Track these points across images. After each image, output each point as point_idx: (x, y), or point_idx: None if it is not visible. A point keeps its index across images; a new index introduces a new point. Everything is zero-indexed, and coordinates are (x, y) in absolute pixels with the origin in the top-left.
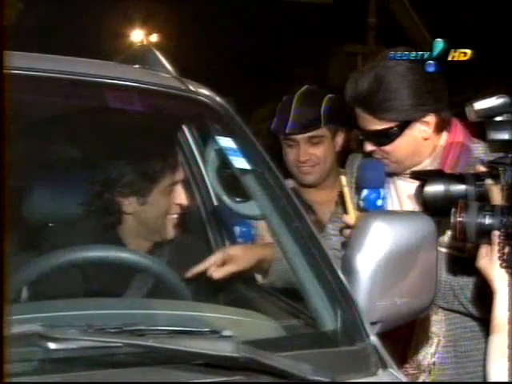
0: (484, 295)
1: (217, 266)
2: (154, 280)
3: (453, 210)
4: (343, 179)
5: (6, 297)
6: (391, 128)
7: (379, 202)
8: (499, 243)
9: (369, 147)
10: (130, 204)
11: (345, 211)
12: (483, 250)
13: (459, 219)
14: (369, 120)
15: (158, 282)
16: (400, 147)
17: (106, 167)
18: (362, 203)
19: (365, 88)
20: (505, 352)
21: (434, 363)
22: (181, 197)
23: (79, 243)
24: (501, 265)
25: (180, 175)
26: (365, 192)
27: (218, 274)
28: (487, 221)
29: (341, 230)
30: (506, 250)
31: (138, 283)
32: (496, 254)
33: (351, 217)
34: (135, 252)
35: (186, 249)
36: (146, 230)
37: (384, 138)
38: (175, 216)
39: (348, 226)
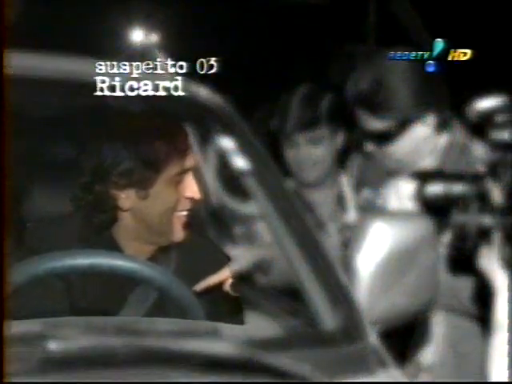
0: (484, 295)
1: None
2: (158, 294)
3: (453, 209)
4: (343, 179)
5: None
6: (391, 128)
7: (379, 202)
8: (499, 243)
9: (369, 147)
10: (127, 198)
11: (345, 211)
12: (483, 250)
13: (459, 219)
14: (369, 120)
15: (163, 296)
16: (400, 147)
17: (98, 152)
18: (362, 203)
19: (365, 88)
20: (505, 352)
21: (433, 363)
22: (192, 189)
23: (63, 247)
24: (501, 265)
25: (190, 162)
26: (365, 192)
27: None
28: (487, 221)
29: (341, 230)
30: (506, 249)
31: (137, 298)
32: (496, 254)
33: (351, 217)
34: (134, 258)
35: (197, 254)
36: (147, 230)
37: (384, 137)
38: (184, 213)
39: (348, 226)
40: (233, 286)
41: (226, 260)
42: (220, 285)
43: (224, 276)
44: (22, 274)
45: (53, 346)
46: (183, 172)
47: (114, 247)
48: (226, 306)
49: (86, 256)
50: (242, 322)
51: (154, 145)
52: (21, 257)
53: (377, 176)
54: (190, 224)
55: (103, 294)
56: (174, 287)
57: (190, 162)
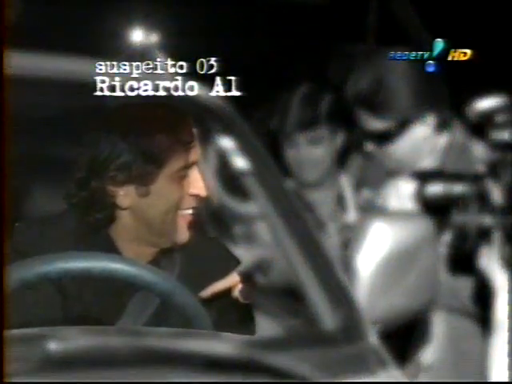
0: (484, 295)
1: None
2: (159, 301)
3: (453, 209)
4: (343, 179)
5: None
6: (391, 128)
7: (379, 202)
8: (499, 243)
9: (369, 147)
10: (126, 195)
11: (345, 211)
12: (483, 250)
13: (459, 219)
14: (369, 120)
15: (165, 303)
16: (400, 147)
17: (94, 145)
18: (362, 203)
19: (365, 88)
20: (505, 352)
21: (434, 363)
22: (197, 185)
23: (56, 249)
24: (501, 265)
25: (195, 155)
26: (365, 192)
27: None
28: (487, 221)
29: (341, 230)
30: (506, 249)
31: (137, 305)
32: (496, 254)
33: (351, 217)
34: (133, 262)
35: (203, 257)
36: (148, 230)
37: (384, 137)
38: (189, 212)
39: (348, 226)
40: (243, 292)
41: (234, 263)
42: (228, 291)
43: (233, 281)
44: (12, 279)
45: (53, 346)
46: (188, 167)
47: (111, 249)
48: (236, 315)
49: (81, 259)
50: (253, 333)
51: (156, 136)
52: (9, 260)
53: (377, 176)
54: (195, 224)
55: (100, 301)
56: (177, 293)
57: (194, 155)
